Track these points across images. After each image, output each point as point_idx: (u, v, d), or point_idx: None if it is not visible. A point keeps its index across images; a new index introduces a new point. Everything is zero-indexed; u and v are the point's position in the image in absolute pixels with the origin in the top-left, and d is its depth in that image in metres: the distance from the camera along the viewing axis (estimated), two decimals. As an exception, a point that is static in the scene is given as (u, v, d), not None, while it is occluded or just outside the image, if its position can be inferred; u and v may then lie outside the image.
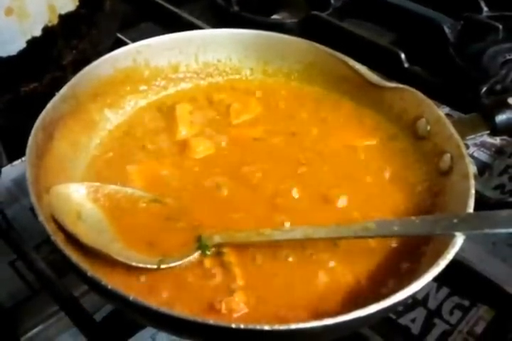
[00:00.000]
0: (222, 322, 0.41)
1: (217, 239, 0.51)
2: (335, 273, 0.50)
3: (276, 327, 0.40)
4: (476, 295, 0.60)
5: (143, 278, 0.49)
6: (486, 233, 0.47)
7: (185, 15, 0.91)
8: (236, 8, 0.92)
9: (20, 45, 0.62)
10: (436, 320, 0.60)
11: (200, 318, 0.41)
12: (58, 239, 0.46)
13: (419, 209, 0.55)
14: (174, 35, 0.67)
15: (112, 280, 0.46)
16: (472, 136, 0.59)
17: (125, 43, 0.81)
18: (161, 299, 0.47)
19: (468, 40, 0.84)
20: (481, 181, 0.73)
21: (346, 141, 0.62)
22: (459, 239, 0.46)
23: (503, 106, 0.58)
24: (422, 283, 0.43)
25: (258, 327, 0.40)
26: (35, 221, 0.46)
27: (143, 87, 0.67)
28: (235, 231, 0.52)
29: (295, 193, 0.57)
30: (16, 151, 0.69)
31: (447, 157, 0.56)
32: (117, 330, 0.56)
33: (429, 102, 0.60)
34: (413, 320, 0.60)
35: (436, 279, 0.45)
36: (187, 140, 0.62)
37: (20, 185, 0.69)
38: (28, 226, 0.64)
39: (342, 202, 0.56)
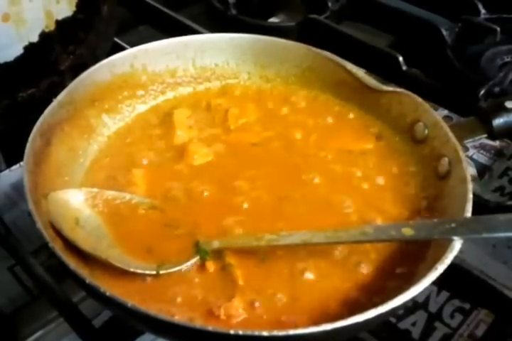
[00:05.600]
0: (220, 329, 0.41)
1: (215, 244, 0.51)
2: (334, 278, 0.50)
3: (275, 333, 0.40)
4: (476, 299, 0.60)
5: (141, 284, 0.49)
6: (484, 237, 0.47)
7: (183, 19, 0.91)
8: (234, 11, 0.92)
9: (18, 50, 0.62)
10: (437, 324, 0.60)
11: (198, 325, 0.41)
12: (56, 246, 0.46)
13: (418, 214, 0.55)
14: (171, 39, 0.67)
15: (111, 287, 0.46)
16: (470, 140, 0.59)
17: (122, 47, 0.81)
18: (160, 305, 0.47)
19: (466, 43, 0.84)
20: (481, 183, 0.72)
21: (344, 145, 0.62)
22: (457, 244, 0.46)
23: (500, 110, 0.58)
24: (420, 288, 0.43)
25: (256, 333, 0.40)
26: (34, 225, 0.46)
27: (140, 92, 0.67)
28: (233, 236, 0.52)
29: (294, 198, 0.57)
30: (14, 156, 0.69)
31: (445, 161, 0.56)
32: (116, 336, 0.56)
33: (427, 106, 0.60)
34: (414, 324, 0.60)
35: (435, 283, 0.44)
36: (185, 146, 0.62)
37: (18, 190, 0.69)
38: (27, 230, 0.64)
39: (341, 206, 0.56)
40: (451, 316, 0.60)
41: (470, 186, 0.51)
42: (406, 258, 0.51)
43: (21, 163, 0.68)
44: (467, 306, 0.60)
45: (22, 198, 0.48)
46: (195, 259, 0.50)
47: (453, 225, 0.47)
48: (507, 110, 0.57)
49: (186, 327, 0.41)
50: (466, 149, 0.76)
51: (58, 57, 0.67)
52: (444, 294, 0.61)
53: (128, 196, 0.55)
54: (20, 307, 0.61)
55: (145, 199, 0.56)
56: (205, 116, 0.66)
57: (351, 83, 0.65)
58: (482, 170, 0.74)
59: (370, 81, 0.64)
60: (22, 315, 0.60)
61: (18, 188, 0.69)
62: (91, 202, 0.54)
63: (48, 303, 0.57)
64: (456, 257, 0.46)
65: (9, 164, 0.71)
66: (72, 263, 0.45)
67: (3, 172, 0.70)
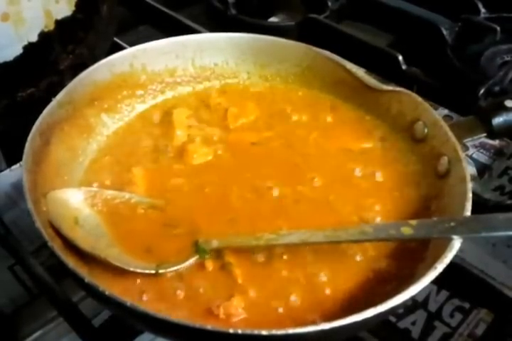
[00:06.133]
0: (219, 328, 0.41)
1: (214, 243, 0.51)
2: (334, 277, 0.50)
3: (274, 331, 0.40)
4: (475, 299, 0.60)
5: (141, 284, 0.49)
6: (484, 236, 0.47)
7: (183, 18, 0.91)
8: (233, 11, 0.92)
9: (17, 50, 0.62)
10: (437, 323, 0.60)
11: (197, 324, 0.41)
12: (55, 245, 0.46)
13: (417, 213, 0.55)
14: (171, 39, 0.67)
15: (110, 286, 0.46)
16: (469, 139, 0.59)
17: (122, 47, 0.81)
18: (158, 304, 0.47)
19: (466, 42, 0.84)
20: (481, 183, 0.72)
21: (344, 144, 0.62)
22: (457, 243, 0.46)
23: (500, 109, 0.57)
24: (419, 287, 0.43)
25: (256, 332, 0.40)
26: (34, 225, 0.46)
27: (140, 92, 0.67)
28: (232, 235, 0.52)
29: (294, 198, 0.57)
30: (14, 156, 0.69)
31: (444, 160, 0.55)
32: (116, 335, 0.56)
33: (426, 105, 0.60)
34: (413, 323, 0.60)
35: (435, 282, 0.44)
36: (185, 145, 0.61)
37: (19, 190, 0.68)
38: (28, 229, 0.64)
39: (340, 205, 0.56)
40: (451, 315, 0.60)
41: (469, 185, 0.51)
42: (405, 258, 0.51)
43: (21, 163, 0.68)
44: (467, 305, 0.60)
45: (22, 198, 0.48)
46: (195, 258, 0.50)
47: (452, 224, 0.47)
48: (507, 109, 0.57)
49: (185, 326, 0.41)
50: (466, 148, 0.76)
51: (58, 57, 0.67)
52: (444, 293, 0.61)
53: (127, 195, 0.55)
54: (20, 306, 0.61)
55: (144, 198, 0.56)
56: (204, 115, 0.66)
57: (351, 82, 0.65)
58: (482, 170, 0.74)
59: (370, 80, 0.64)
60: (22, 314, 0.60)
61: (18, 188, 0.69)
62: (90, 201, 0.54)
63: (48, 303, 0.57)
64: (455, 256, 0.46)
65: (9, 163, 0.71)
66: (71, 262, 0.45)
67: (3, 172, 0.70)
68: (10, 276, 0.63)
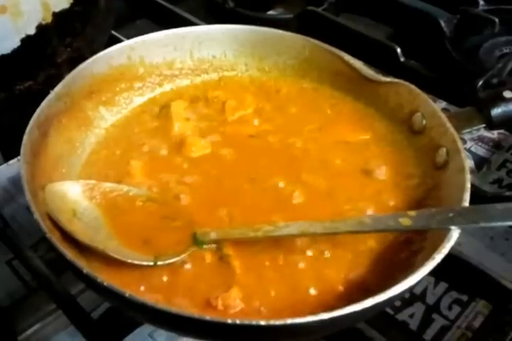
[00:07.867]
0: (217, 318, 0.41)
1: (212, 235, 0.51)
2: (332, 268, 0.50)
3: (272, 322, 0.40)
4: (473, 290, 0.60)
5: (139, 276, 0.49)
6: (482, 227, 0.47)
7: (181, 12, 0.90)
8: (231, 4, 0.92)
9: (15, 43, 0.62)
10: (435, 315, 0.60)
11: (196, 314, 0.41)
12: (54, 237, 0.46)
13: (415, 204, 0.55)
14: (169, 31, 0.67)
15: (108, 278, 0.46)
16: (468, 130, 0.58)
17: (120, 41, 0.80)
18: (157, 296, 0.47)
19: (464, 34, 0.84)
20: (479, 175, 0.73)
21: (342, 136, 0.62)
22: (455, 233, 0.46)
23: (499, 100, 0.57)
24: (417, 277, 0.43)
25: (254, 322, 0.40)
26: (32, 219, 0.46)
27: (138, 84, 0.67)
28: (230, 227, 0.52)
29: (292, 190, 0.56)
30: (11, 150, 0.69)
31: (443, 151, 0.55)
32: (115, 328, 0.56)
33: (425, 96, 0.60)
34: (411, 316, 0.60)
35: (433, 274, 0.44)
36: (183, 138, 0.61)
37: (16, 184, 0.69)
38: (26, 224, 0.64)
39: (338, 198, 0.56)
40: (449, 308, 0.60)
41: (468, 176, 0.51)
42: (403, 249, 0.51)
43: (19, 157, 0.68)
44: (465, 298, 0.61)
45: (20, 192, 0.48)
46: (193, 250, 0.50)
47: (450, 215, 0.47)
48: (505, 100, 0.57)
49: (184, 316, 0.41)
50: (464, 142, 0.76)
51: (55, 50, 0.67)
52: (442, 286, 0.62)
53: (125, 188, 0.55)
54: (18, 300, 0.61)
55: (142, 191, 0.56)
56: (202, 108, 0.66)
57: (349, 74, 0.65)
58: (480, 163, 0.74)
59: (368, 72, 0.64)
60: (20, 308, 0.60)
61: (16, 182, 0.69)
62: (88, 193, 0.54)
63: (46, 296, 0.57)
64: (453, 248, 0.46)
65: (7, 158, 0.71)
66: (69, 253, 0.45)
67: (0, 167, 0.70)
68: (8, 271, 0.63)
